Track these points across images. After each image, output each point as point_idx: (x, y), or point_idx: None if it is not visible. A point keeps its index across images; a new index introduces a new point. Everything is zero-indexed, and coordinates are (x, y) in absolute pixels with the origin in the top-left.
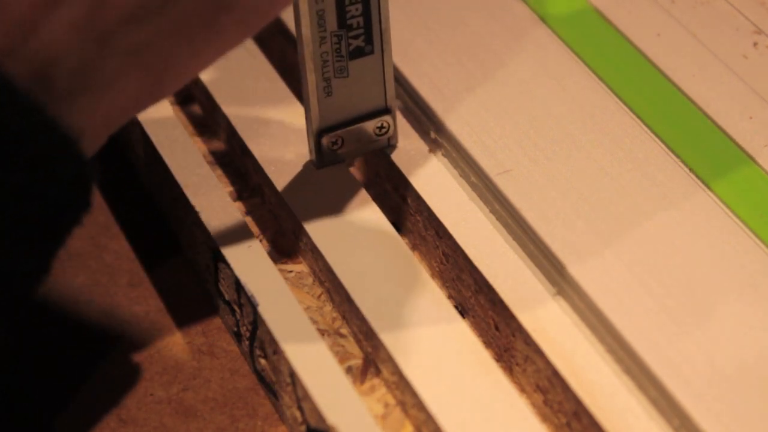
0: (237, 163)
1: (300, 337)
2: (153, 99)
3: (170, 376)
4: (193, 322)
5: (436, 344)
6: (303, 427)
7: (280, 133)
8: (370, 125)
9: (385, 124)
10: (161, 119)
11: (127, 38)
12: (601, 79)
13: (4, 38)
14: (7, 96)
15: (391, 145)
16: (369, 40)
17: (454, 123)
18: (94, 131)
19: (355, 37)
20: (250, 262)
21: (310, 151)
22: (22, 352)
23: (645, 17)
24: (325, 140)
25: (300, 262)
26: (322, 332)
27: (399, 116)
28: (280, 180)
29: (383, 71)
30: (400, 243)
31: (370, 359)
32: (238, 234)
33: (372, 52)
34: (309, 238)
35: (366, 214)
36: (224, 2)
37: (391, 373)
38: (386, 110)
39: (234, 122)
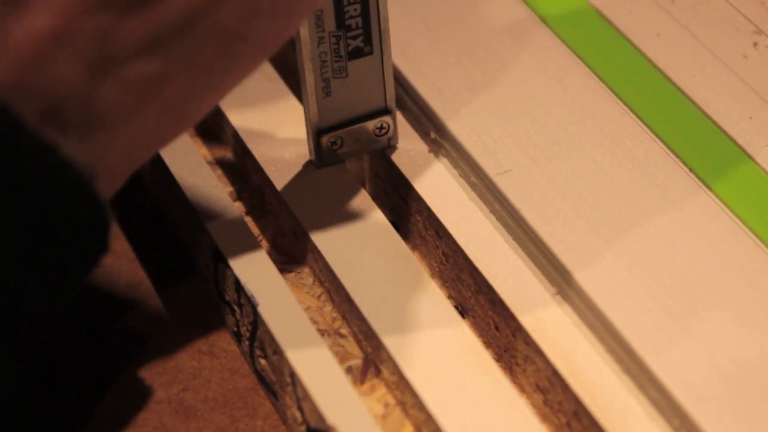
0: (237, 163)
1: (300, 337)
2: (174, 134)
3: (170, 376)
4: (193, 322)
5: (436, 344)
6: (303, 427)
7: (280, 133)
8: (370, 125)
9: (384, 125)
10: None
11: (139, 71)
12: (601, 79)
13: (12, 75)
14: (17, 135)
15: (392, 146)
16: (368, 40)
17: (454, 123)
18: (113, 169)
19: (354, 38)
20: (250, 262)
21: (310, 151)
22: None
23: (645, 17)
24: (324, 140)
25: (300, 262)
26: (322, 332)
27: (399, 117)
28: (280, 180)
29: (383, 72)
30: (400, 243)
31: (370, 359)
32: (238, 234)
33: (371, 52)
34: (309, 238)
35: (366, 214)
36: (238, 30)
37: (391, 373)
38: (386, 110)
39: (234, 122)
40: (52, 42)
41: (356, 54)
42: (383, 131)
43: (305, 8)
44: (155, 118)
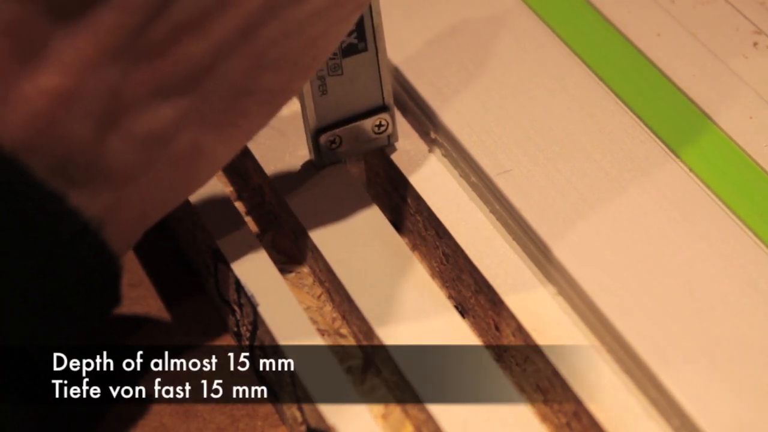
0: (237, 163)
1: (300, 337)
2: (187, 189)
3: (170, 375)
4: (193, 322)
5: (436, 344)
6: (303, 427)
7: (280, 133)
8: (368, 123)
9: (383, 122)
10: None
11: (147, 126)
12: (601, 79)
13: (24, 132)
14: (23, 184)
15: (391, 143)
16: (362, 37)
17: (454, 123)
18: (126, 223)
19: (347, 35)
20: (250, 262)
21: (310, 151)
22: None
23: (645, 17)
24: (323, 139)
25: (300, 262)
26: (322, 332)
27: (399, 116)
28: (280, 180)
29: (378, 68)
30: (400, 243)
31: (370, 359)
32: (238, 234)
33: (365, 49)
34: (309, 238)
35: (366, 214)
36: (243, 85)
37: (391, 373)
38: (384, 108)
39: None
40: (64, 100)
41: (350, 51)
42: (382, 129)
43: (309, 61)
44: (165, 173)
